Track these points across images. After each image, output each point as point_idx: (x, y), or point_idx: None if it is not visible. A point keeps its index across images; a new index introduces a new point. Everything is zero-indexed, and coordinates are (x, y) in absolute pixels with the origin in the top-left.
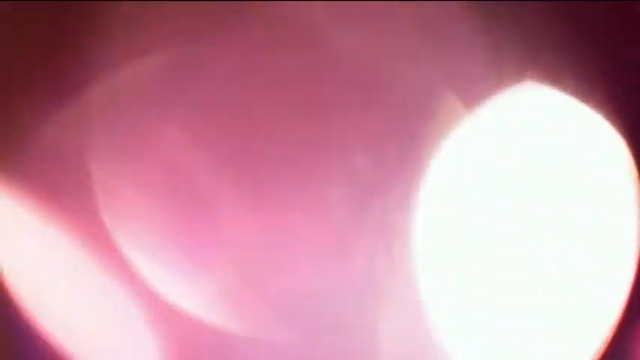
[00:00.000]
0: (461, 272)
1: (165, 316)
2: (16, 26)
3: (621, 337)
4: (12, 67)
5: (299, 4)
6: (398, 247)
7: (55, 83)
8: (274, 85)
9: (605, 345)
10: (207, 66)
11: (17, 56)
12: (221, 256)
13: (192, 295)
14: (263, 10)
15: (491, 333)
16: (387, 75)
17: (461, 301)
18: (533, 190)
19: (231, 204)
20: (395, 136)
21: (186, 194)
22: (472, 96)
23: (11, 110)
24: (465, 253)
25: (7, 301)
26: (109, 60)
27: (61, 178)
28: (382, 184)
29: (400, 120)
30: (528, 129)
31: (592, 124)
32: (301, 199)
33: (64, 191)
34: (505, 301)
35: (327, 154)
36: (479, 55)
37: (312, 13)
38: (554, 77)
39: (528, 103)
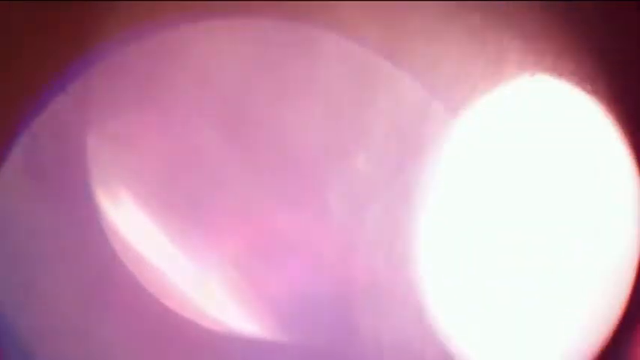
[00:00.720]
0: (461, 271)
1: (164, 316)
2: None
3: (621, 337)
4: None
5: (300, 4)
6: (399, 248)
7: (54, 67)
8: (273, 85)
9: (605, 345)
10: (205, 62)
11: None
12: (220, 256)
13: (190, 295)
14: (264, 9)
15: (492, 332)
16: (387, 75)
17: (461, 300)
18: (533, 188)
19: (230, 205)
20: (395, 136)
21: (185, 196)
22: (471, 94)
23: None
24: (465, 252)
25: None
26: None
27: (59, 160)
28: (382, 184)
29: (400, 120)
30: (527, 125)
31: (592, 120)
32: (302, 199)
33: (61, 176)
34: (505, 300)
35: (327, 154)
36: (478, 54)
37: (312, 13)
38: (554, 74)
39: (527, 98)
